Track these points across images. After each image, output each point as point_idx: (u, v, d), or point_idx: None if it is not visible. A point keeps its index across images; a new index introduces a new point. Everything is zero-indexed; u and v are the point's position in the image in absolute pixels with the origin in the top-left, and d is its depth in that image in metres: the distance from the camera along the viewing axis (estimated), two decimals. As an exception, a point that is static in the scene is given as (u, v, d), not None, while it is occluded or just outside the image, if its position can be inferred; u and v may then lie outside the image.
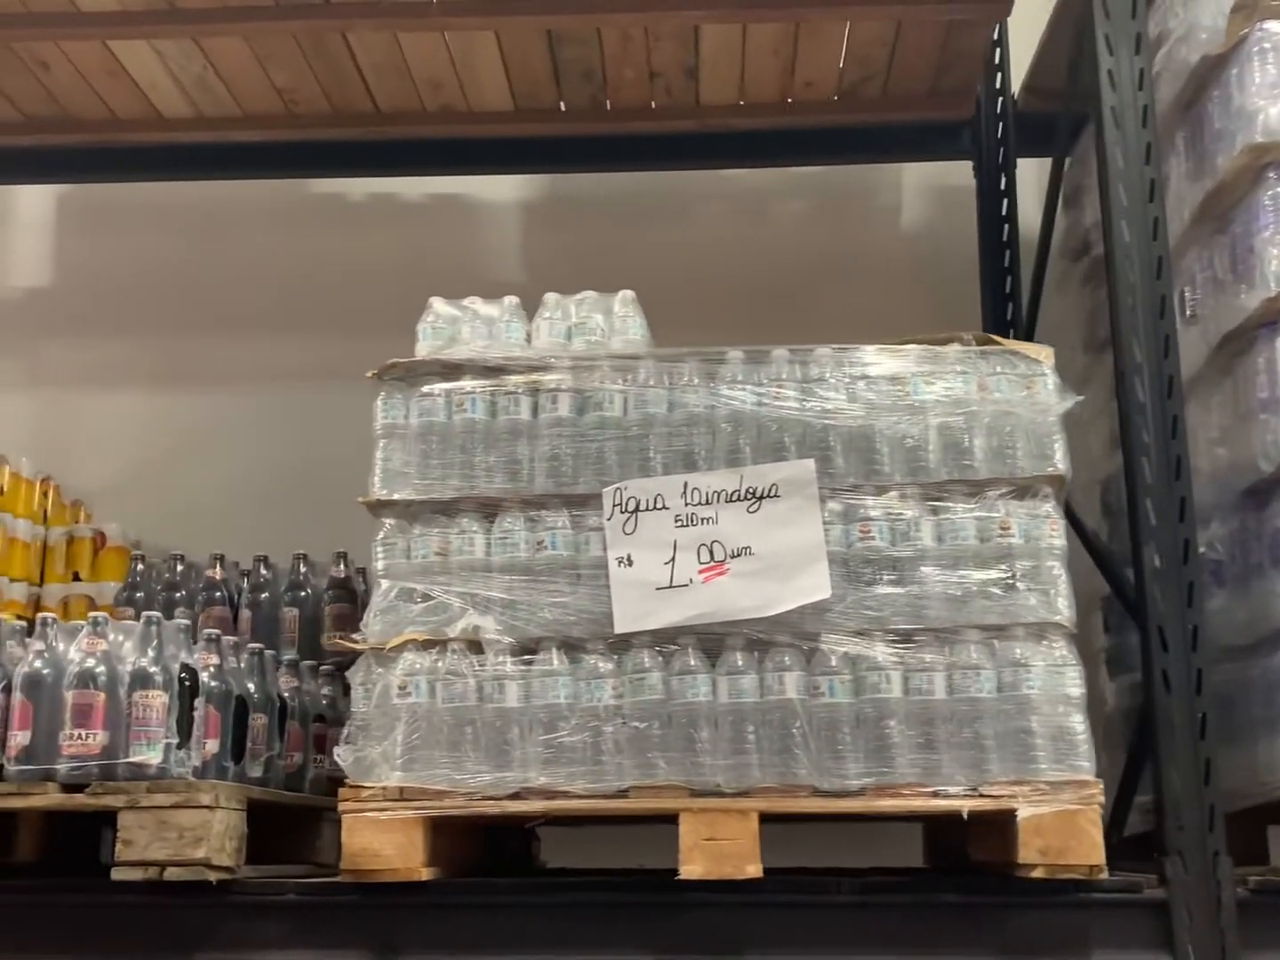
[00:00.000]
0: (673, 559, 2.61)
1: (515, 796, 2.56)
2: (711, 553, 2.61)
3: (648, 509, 2.64)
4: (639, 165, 4.44)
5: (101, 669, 2.65)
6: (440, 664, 2.62)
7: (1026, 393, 2.75)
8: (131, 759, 2.59)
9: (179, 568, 3.75)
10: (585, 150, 4.36)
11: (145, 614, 2.75)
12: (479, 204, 4.90)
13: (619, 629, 2.61)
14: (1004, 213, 4.29)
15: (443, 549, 2.70)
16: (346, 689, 3.59)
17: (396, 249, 4.77)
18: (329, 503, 4.42)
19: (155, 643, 2.70)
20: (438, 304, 3.20)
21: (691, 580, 2.60)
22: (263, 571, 3.73)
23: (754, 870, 2.49)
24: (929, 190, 4.84)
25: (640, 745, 2.56)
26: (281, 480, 4.55)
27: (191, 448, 4.67)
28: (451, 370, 2.82)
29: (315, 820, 3.13)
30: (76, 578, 3.93)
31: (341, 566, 3.73)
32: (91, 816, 2.69)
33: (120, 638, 2.71)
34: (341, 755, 2.65)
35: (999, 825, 2.60)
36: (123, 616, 3.41)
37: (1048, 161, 4.22)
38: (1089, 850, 2.50)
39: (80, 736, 2.60)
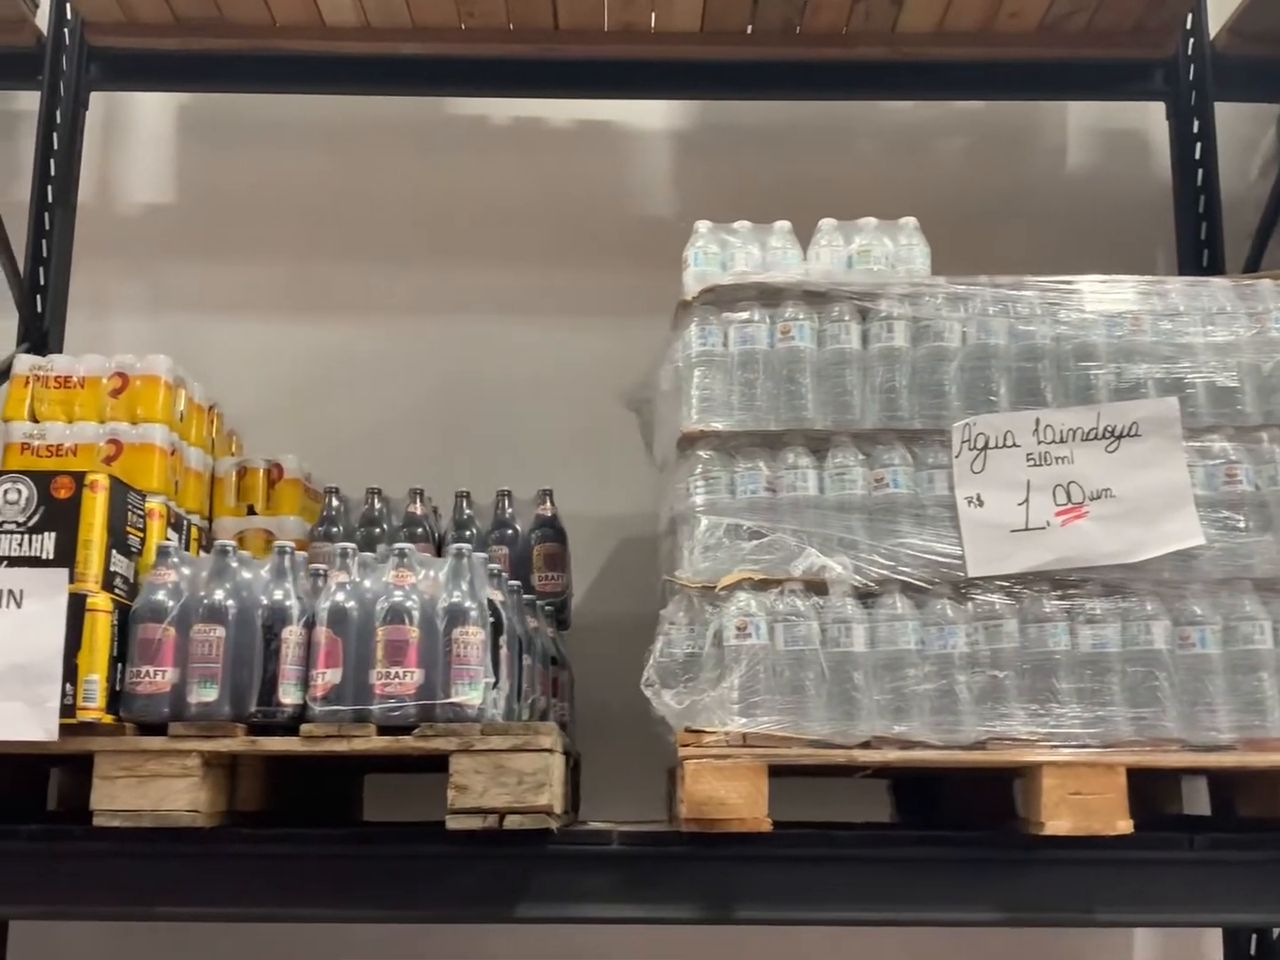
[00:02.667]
0: (1026, 500, 2.48)
1: (866, 745, 2.43)
2: (1069, 494, 2.49)
3: (997, 446, 2.50)
4: (828, 94, 4.26)
5: (413, 603, 2.47)
6: (779, 605, 2.47)
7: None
8: (453, 699, 2.42)
9: (377, 503, 3.55)
10: (771, 75, 4.17)
11: (456, 546, 2.56)
12: (627, 131, 4.67)
13: (973, 572, 2.48)
14: (1198, 157, 4.17)
15: (772, 484, 2.54)
16: (561, 628, 3.51)
17: (540, 176, 4.56)
18: (470, 437, 4.33)
19: (469, 577, 2.52)
20: (705, 228, 3.04)
21: (1049, 523, 2.47)
22: (466, 508, 3.55)
23: (1124, 826, 2.38)
24: (1094, 132, 4.71)
25: (996, 695, 2.44)
26: (419, 414, 4.36)
27: (325, 378, 4.44)
28: (771, 295, 2.64)
29: (575, 769, 2.98)
30: (251, 510, 3.70)
31: (548, 504, 3.56)
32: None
33: (431, 572, 2.53)
34: (667, 699, 2.49)
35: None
36: (316, 553, 3.23)
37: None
38: None
39: (396, 675, 2.42)
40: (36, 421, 3.36)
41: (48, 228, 4.02)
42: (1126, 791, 2.39)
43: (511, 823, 2.34)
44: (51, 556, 2.41)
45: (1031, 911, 2.45)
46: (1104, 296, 2.58)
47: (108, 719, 2.40)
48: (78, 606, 2.37)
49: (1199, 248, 4.12)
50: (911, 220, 3.01)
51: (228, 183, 4.53)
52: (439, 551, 3.51)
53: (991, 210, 4.60)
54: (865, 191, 4.48)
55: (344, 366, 4.42)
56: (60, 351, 3.94)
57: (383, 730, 2.41)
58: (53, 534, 2.42)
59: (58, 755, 2.38)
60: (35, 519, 2.42)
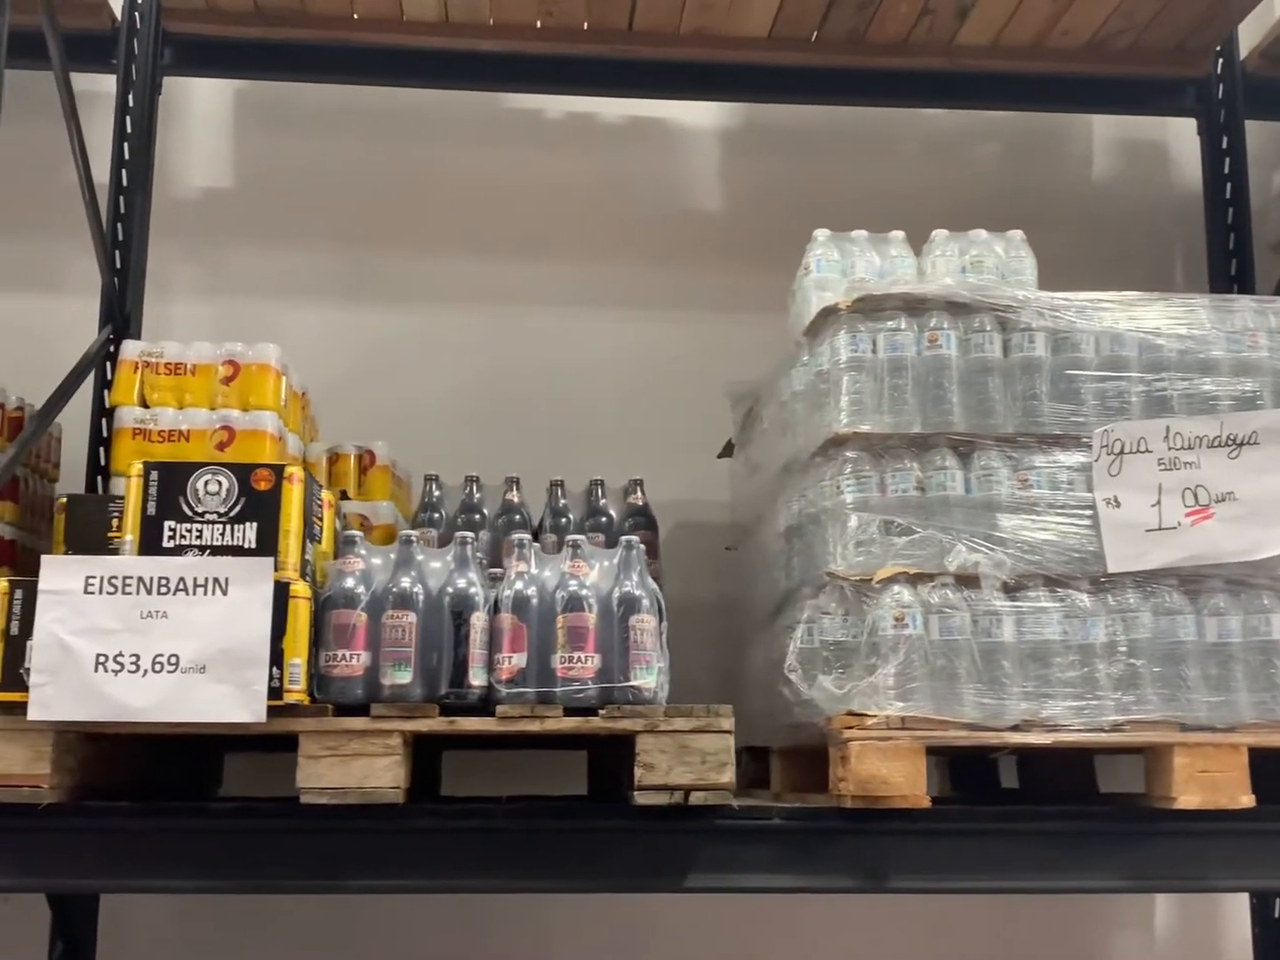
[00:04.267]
0: (1159, 501, 2.69)
1: (1015, 729, 2.62)
2: (1196, 496, 2.70)
3: (1132, 451, 2.71)
4: (887, 101, 4.44)
5: (588, 592, 2.61)
6: (933, 597, 2.65)
7: None
8: (633, 683, 2.57)
9: (475, 490, 3.66)
10: (834, 82, 4.34)
11: (625, 539, 2.71)
12: (677, 129, 4.81)
13: (1112, 568, 2.68)
14: (1227, 172, 4.43)
15: (921, 484, 2.73)
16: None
17: (592, 169, 4.69)
18: (521, 423, 4.45)
19: (639, 567, 2.66)
20: (823, 236, 3.20)
21: (1179, 523, 2.69)
22: (561, 497, 3.67)
23: (1246, 800, 2.61)
24: (1117, 142, 4.95)
25: (1131, 681, 2.65)
26: (470, 400, 4.47)
27: (378, 363, 4.53)
28: (915, 304, 2.82)
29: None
30: (344, 495, 3.79)
31: (639, 493, 3.69)
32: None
33: (605, 562, 2.67)
34: (825, 684, 2.67)
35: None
36: (422, 539, 3.34)
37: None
38: None
39: (578, 659, 2.56)
40: (147, 407, 3.42)
41: (123, 211, 4.05)
42: (1248, 769, 2.62)
43: (696, 799, 2.50)
44: (254, 545, 2.51)
45: (1157, 879, 2.67)
46: (1224, 314, 2.80)
47: (308, 701, 2.51)
48: (281, 593, 2.48)
49: (1227, 258, 4.38)
50: (1018, 233, 3.20)
51: (284, 168, 4.59)
52: (535, 538, 3.65)
53: (1023, 215, 4.78)
54: (903, 193, 4.71)
55: (397, 352, 4.51)
56: (139, 336, 3.99)
57: (567, 711, 2.55)
58: (254, 524, 2.51)
59: (256, 736, 2.48)
60: (236, 509, 2.52)
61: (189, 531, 2.49)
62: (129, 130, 4.12)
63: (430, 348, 4.52)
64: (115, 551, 2.71)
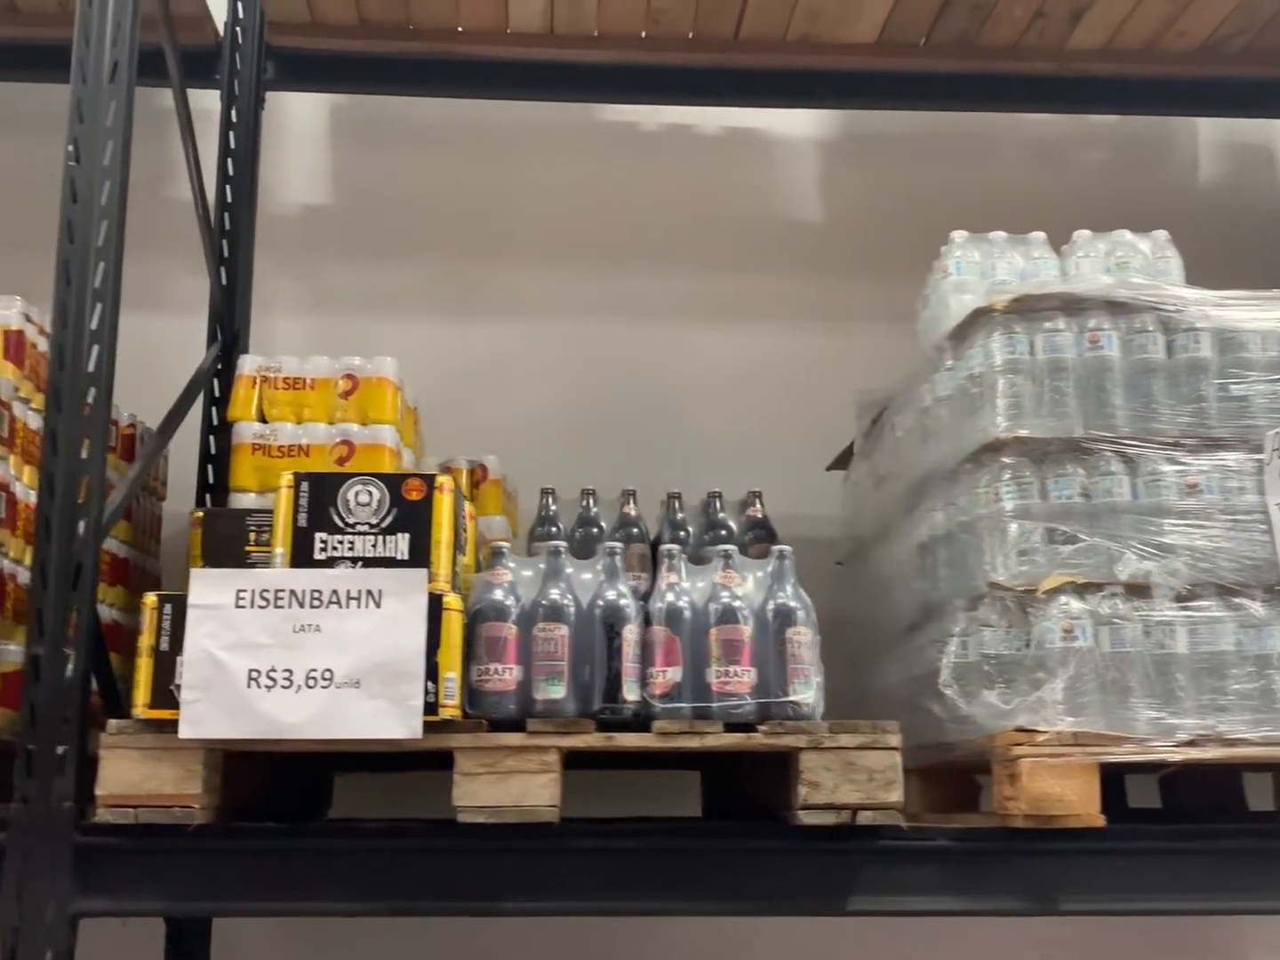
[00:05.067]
0: (1333, 504, 2.59)
1: (1191, 744, 2.52)
2: (1373, 498, 2.60)
3: (1303, 454, 2.61)
4: (996, 106, 4.37)
5: (742, 603, 2.53)
6: (1103, 608, 2.55)
7: None
8: (792, 698, 2.48)
9: (592, 504, 3.59)
10: (942, 87, 4.27)
11: (777, 549, 2.62)
12: (774, 139, 4.76)
13: (1289, 575, 2.58)
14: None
15: (1086, 490, 2.63)
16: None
17: (690, 181, 4.63)
18: (619, 439, 4.38)
19: (792, 579, 2.58)
20: (961, 237, 3.13)
21: (1355, 527, 2.58)
22: (678, 510, 3.60)
23: None
24: (1223, 146, 4.85)
25: (1309, 693, 2.55)
26: (569, 414, 4.41)
27: (476, 377, 4.47)
28: (1072, 304, 2.73)
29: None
30: (458, 509, 3.73)
31: (757, 506, 3.60)
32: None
33: (759, 573, 2.59)
34: (989, 698, 2.57)
35: None
36: (537, 552, 3.27)
37: None
38: None
39: (734, 673, 2.48)
40: (265, 422, 3.38)
41: (229, 227, 4.02)
42: None
43: (864, 818, 2.41)
44: (406, 557, 2.44)
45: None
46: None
47: (461, 717, 2.44)
48: (435, 606, 2.41)
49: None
50: (1163, 233, 3.12)
51: (381, 183, 4.55)
52: (654, 551, 3.57)
53: (1127, 221, 4.71)
54: (1004, 200, 4.61)
55: (498, 366, 4.46)
56: (248, 351, 3.95)
57: (727, 727, 2.47)
58: (406, 535, 2.45)
59: (409, 753, 2.41)
60: (388, 520, 2.45)
61: (340, 543, 2.43)
62: (233, 145, 4.09)
63: (530, 361, 4.47)
64: (254, 565, 2.66)
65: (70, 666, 2.43)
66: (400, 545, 2.44)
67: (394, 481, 2.47)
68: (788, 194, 4.70)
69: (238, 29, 4.15)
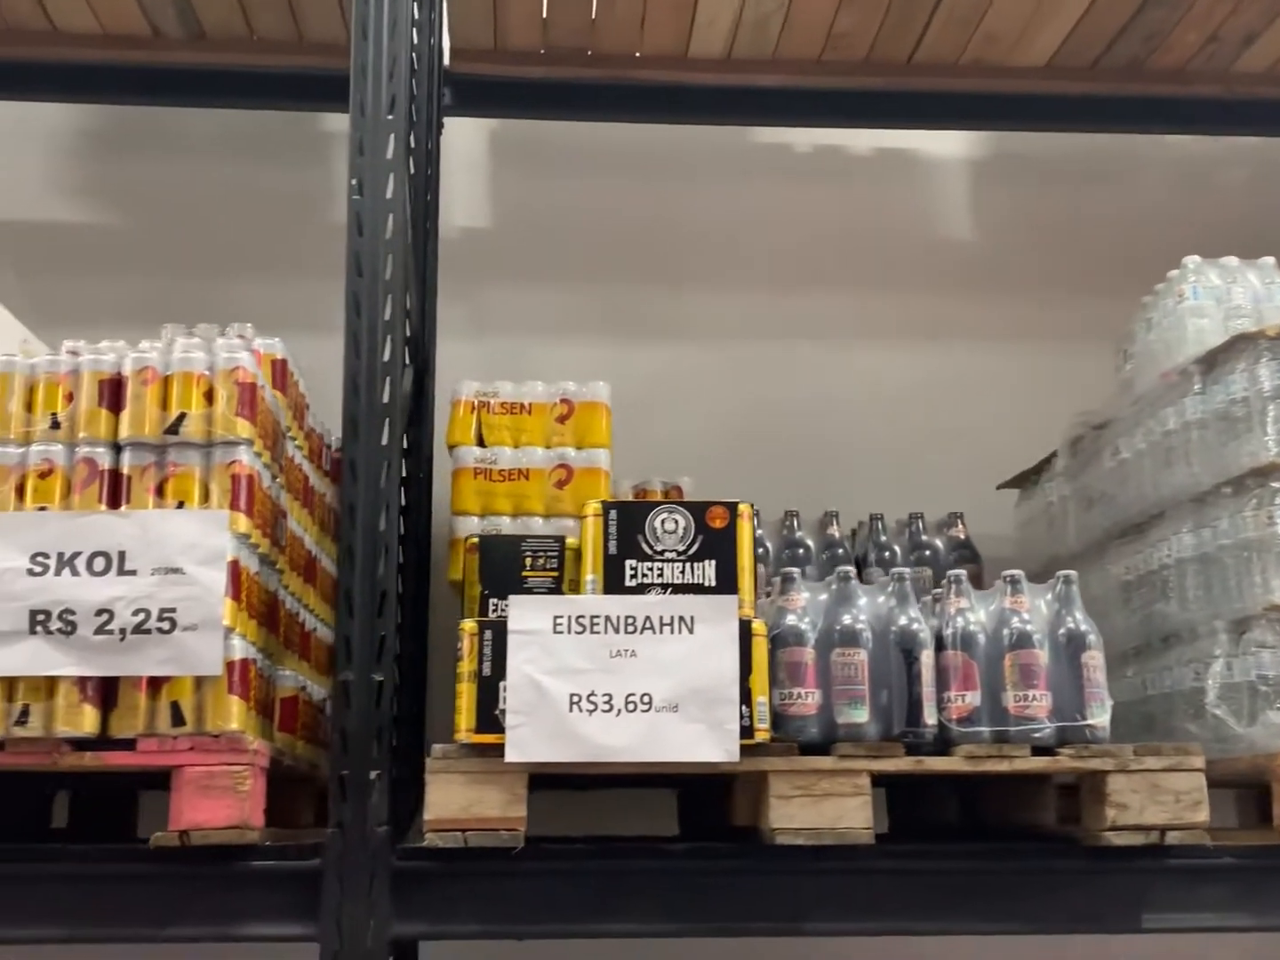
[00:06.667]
0: None
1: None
2: None
3: None
4: (1168, 129, 4.42)
5: (1035, 628, 2.58)
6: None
7: None
8: (1089, 721, 2.53)
9: (796, 525, 3.63)
10: (1112, 110, 4.32)
11: (1063, 573, 2.66)
12: (925, 159, 4.80)
13: None
14: None
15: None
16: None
17: (844, 201, 4.68)
18: (784, 458, 4.42)
19: (1078, 602, 2.63)
20: (1193, 263, 3.17)
21: None
22: (881, 533, 3.64)
23: None
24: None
25: None
26: (730, 435, 4.45)
27: (640, 399, 4.50)
28: (1343, 328, 2.78)
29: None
30: (656, 533, 3.77)
31: (959, 526, 3.66)
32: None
33: (1048, 596, 2.63)
34: (1269, 718, 2.62)
35: None
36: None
37: None
38: None
39: (1031, 698, 2.52)
40: (484, 446, 3.42)
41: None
42: None
43: (1172, 838, 2.45)
44: (714, 584, 2.48)
45: None
46: None
47: (770, 740, 2.48)
48: (745, 632, 2.45)
49: None
50: (1394, 259, 3.17)
51: (540, 207, 4.60)
52: (859, 572, 3.61)
53: (1265, 244, 4.77)
54: (1148, 220, 4.67)
55: (660, 387, 4.48)
56: (433, 375, 4.00)
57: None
58: (712, 562, 2.49)
59: (712, 776, 2.45)
60: (694, 548, 2.49)
61: (650, 570, 2.47)
62: (411, 170, 4.12)
63: (689, 383, 4.51)
64: (530, 590, 2.69)
65: (380, 692, 2.47)
66: (707, 572, 2.48)
67: (698, 509, 2.51)
68: (942, 213, 4.75)
69: (414, 55, 4.19)
